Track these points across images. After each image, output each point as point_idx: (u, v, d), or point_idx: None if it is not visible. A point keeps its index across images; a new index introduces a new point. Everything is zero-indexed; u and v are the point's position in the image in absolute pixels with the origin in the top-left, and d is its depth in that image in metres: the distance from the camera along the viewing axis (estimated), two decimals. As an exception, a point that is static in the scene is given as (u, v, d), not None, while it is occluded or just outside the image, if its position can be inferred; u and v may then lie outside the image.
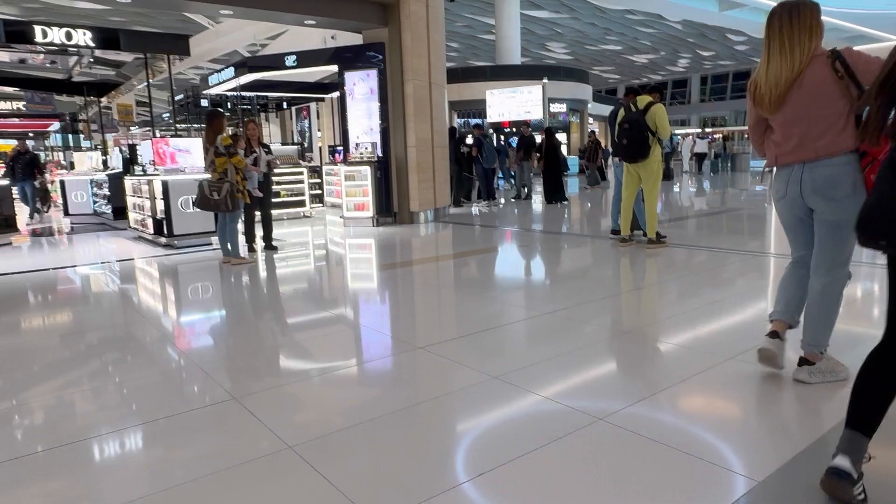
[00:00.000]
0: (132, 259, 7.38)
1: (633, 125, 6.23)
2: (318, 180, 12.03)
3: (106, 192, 10.54)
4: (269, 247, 7.37)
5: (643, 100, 6.31)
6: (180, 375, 3.30)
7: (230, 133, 6.49)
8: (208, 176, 6.23)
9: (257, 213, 7.37)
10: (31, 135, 23.74)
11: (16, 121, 19.00)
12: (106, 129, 20.73)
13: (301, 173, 11.12)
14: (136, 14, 23.28)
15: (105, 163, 12.03)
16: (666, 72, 46.62)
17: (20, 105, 15.83)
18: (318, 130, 15.67)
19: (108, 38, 7.85)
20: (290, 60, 9.86)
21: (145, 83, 10.38)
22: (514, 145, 13.94)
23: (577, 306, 4.31)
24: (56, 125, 19.51)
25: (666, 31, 32.75)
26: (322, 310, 4.74)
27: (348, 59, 9.46)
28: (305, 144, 16.22)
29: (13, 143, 26.82)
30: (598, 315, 4.13)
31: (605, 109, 36.53)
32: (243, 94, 14.01)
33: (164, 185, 7.52)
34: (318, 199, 12.08)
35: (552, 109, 24.41)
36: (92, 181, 11.72)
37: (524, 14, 26.87)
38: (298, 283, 5.95)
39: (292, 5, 8.15)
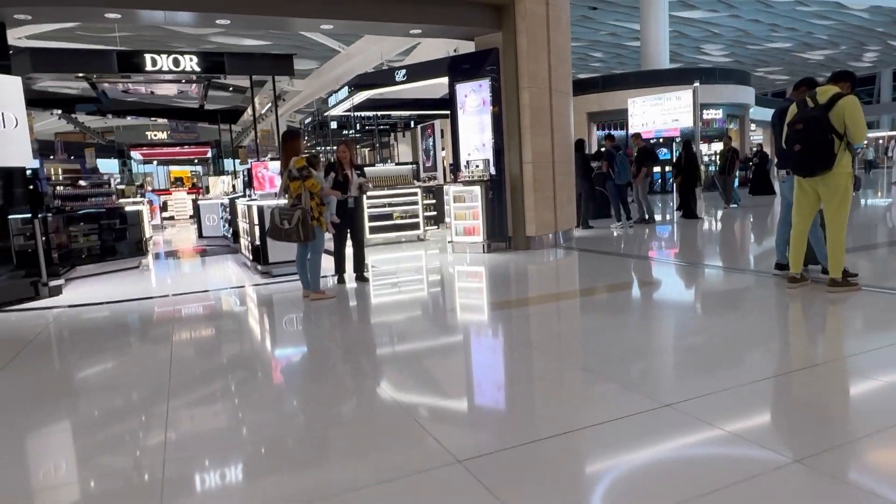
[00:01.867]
0: (221, 289, 7.10)
1: (810, 125, 4.61)
2: (433, 201, 11.32)
3: (227, 215, 10.70)
4: (361, 278, 6.67)
5: (826, 91, 4.66)
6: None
7: (307, 154, 5.89)
8: (283, 202, 5.67)
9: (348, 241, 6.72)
10: (196, 161, 26.12)
11: (177, 149, 20.82)
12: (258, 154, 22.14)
13: (415, 194, 10.48)
14: (292, 46, 24.77)
15: (234, 187, 12.37)
16: (848, 69, 40.59)
17: (164, 135, 17.16)
18: (442, 149, 15.13)
19: (213, 62, 7.79)
20: (399, 75, 9.29)
21: (271, 107, 10.42)
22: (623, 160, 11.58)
23: (719, 393, 2.93)
24: (210, 152, 21.11)
25: (847, 21, 28.30)
26: (386, 380, 3.81)
27: (458, 68, 8.62)
28: (429, 163, 15.74)
29: (185, 168, 29.89)
30: (753, 419, 2.74)
31: (770, 114, 32.33)
32: (367, 113, 13.85)
33: (260, 210, 7.17)
34: (433, 220, 11.37)
35: (706, 116, 21.84)
36: (221, 205, 12.08)
37: (675, 16, 24.56)
38: (375, 330, 5.05)
39: (394, 14, 7.50)
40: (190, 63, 7.61)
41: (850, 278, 4.85)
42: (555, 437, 2.51)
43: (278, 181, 7.53)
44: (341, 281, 6.63)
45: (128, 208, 9.22)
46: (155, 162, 25.85)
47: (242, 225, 8.58)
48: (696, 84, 17.51)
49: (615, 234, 10.21)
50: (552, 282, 6.77)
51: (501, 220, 8.60)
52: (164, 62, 7.52)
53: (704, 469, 2.20)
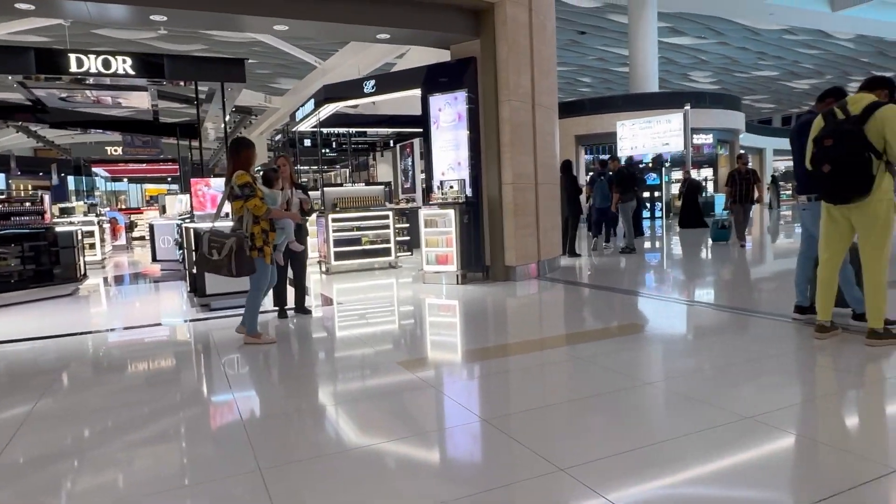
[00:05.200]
0: (146, 325, 6.14)
1: (841, 141, 3.77)
2: (407, 225, 10.42)
3: (179, 238, 9.70)
4: (302, 310, 5.72)
5: (859, 100, 3.84)
6: None
7: (266, 168, 4.98)
8: (221, 225, 4.71)
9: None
10: (169, 179, 25.06)
11: (144, 165, 19.77)
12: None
13: (386, 217, 9.57)
14: (277, 65, 23.85)
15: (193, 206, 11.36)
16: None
17: (119, 150, 16.11)
18: (421, 170, 14.32)
19: (150, 65, 6.87)
20: (368, 86, 8.42)
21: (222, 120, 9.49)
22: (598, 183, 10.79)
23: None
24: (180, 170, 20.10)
25: (833, 50, 28.18)
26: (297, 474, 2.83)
27: (431, 79, 7.77)
28: (408, 184, 14.90)
29: (162, 187, 28.80)
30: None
31: (759, 141, 31.87)
32: (341, 130, 12.99)
33: (197, 234, 6.19)
34: (407, 246, 10.47)
35: (696, 141, 21.31)
36: (176, 226, 11.07)
37: (663, 42, 24.19)
38: (297, 386, 4.08)
39: (359, 16, 6.66)
40: (123, 65, 6.66)
41: (893, 328, 3.97)
42: None
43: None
44: (283, 315, 5.67)
45: (59, 229, 8.19)
46: (126, 179, 24.77)
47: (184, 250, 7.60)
48: (687, 107, 16.97)
49: (595, 261, 9.49)
50: (532, 323, 5.80)
51: (478, 247, 7.70)
52: (93, 63, 6.56)
53: None
